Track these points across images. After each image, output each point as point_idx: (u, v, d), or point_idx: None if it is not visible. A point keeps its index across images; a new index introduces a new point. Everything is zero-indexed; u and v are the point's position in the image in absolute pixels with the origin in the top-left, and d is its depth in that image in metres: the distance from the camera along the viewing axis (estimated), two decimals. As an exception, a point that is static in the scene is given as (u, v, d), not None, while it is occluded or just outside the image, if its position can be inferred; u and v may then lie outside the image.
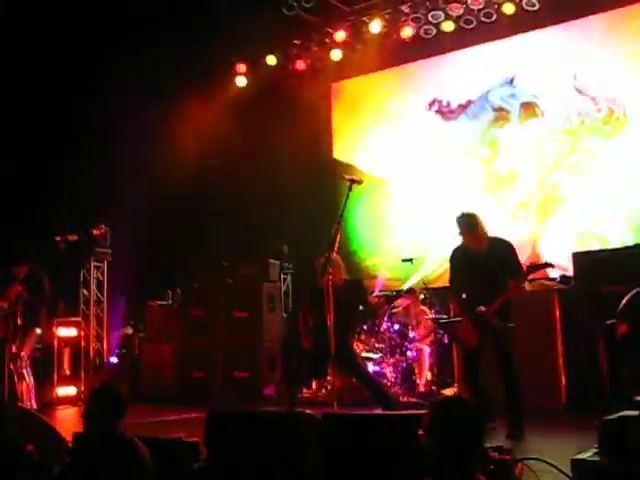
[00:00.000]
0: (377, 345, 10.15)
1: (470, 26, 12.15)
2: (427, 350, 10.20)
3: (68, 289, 12.56)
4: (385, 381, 9.61)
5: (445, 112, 12.78)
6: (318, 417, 4.55)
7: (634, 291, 4.40)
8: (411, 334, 10.23)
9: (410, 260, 10.60)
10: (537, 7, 11.38)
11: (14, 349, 9.13)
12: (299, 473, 4.32)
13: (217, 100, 14.73)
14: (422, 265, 11.58)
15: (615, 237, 10.69)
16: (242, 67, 14.39)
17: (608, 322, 5.65)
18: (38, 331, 9.47)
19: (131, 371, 12.44)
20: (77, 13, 12.65)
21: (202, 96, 13.89)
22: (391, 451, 4.07)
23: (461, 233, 7.12)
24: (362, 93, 13.90)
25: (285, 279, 13.18)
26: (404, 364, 10.07)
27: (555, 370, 8.52)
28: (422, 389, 10.01)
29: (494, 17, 11.91)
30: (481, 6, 11.91)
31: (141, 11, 12.69)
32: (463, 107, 12.59)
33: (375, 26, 12.68)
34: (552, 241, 11.21)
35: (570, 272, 9.30)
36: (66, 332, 12.02)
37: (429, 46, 12.72)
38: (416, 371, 10.15)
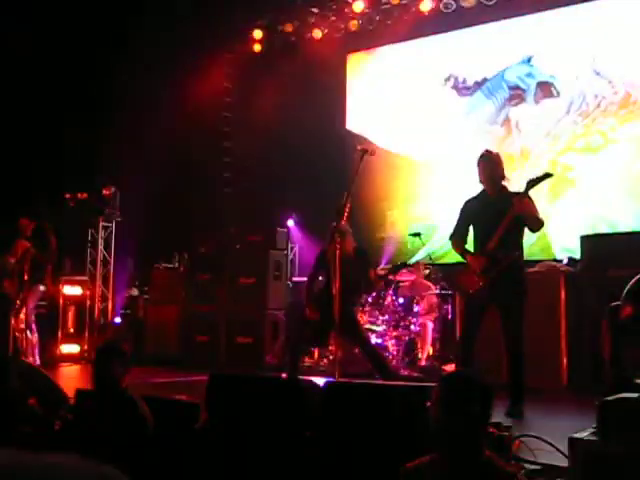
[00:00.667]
0: (381, 318, 10.16)
1: (490, 2, 12.04)
2: (430, 325, 10.21)
3: (76, 248, 12.61)
4: (387, 354, 9.63)
5: (460, 88, 12.71)
6: (320, 385, 4.57)
7: (640, 275, 4.40)
8: (416, 308, 10.24)
9: (418, 235, 10.59)
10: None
11: (17, 304, 9.17)
12: (299, 439, 4.35)
13: (233, 66, 14.70)
14: (429, 240, 11.58)
15: (625, 221, 10.66)
16: (258, 34, 14.33)
17: (612, 304, 5.67)
18: (42, 288, 9.51)
19: (135, 333, 12.49)
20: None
21: (218, 62, 13.86)
22: (393, 422, 4.09)
23: (481, 174, 6.76)
24: (377, 65, 13.83)
25: (292, 247, 13.21)
26: (407, 338, 10.09)
27: (557, 351, 8.52)
28: (423, 363, 10.04)
29: (515, -6, 11.83)
30: (502, -18, 11.82)
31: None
32: (479, 84, 12.51)
33: (395, -3, 12.61)
34: (562, 223, 11.18)
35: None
36: (72, 290, 12.09)
37: (448, 21, 12.61)
38: (418, 345, 10.17)
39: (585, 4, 11.52)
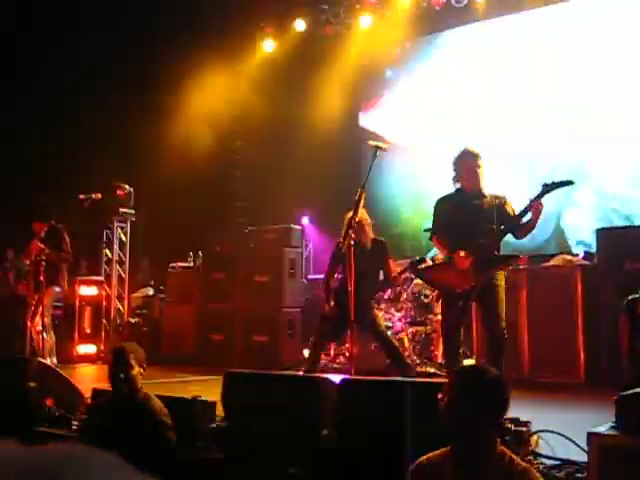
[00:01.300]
0: (397, 314, 10.14)
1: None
2: (447, 321, 10.15)
3: (91, 248, 12.67)
4: (403, 350, 9.61)
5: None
6: (336, 382, 4.56)
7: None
8: (432, 304, 10.20)
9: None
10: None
11: (33, 305, 9.20)
12: (315, 437, 4.34)
13: (244, 65, 14.70)
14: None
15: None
16: (269, 32, 14.33)
17: (630, 298, 5.63)
18: (57, 289, 9.52)
19: (151, 333, 12.52)
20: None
21: (229, 61, 13.87)
22: (410, 418, 4.07)
23: (455, 170, 6.58)
24: (389, 60, 13.79)
25: (307, 245, 13.20)
26: (423, 334, 10.06)
27: (575, 345, 8.48)
28: (440, 360, 10.00)
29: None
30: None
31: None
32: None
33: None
34: (577, 217, 11.12)
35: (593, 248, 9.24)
36: (88, 291, 12.14)
37: (460, 15, 12.56)
38: (435, 341, 10.14)
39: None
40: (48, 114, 13.40)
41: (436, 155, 12.55)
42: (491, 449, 2.94)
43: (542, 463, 4.36)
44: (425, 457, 3.07)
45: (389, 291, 10.07)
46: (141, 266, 14.17)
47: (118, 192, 12.31)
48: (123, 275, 12.87)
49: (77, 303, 11.89)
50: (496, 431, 3.02)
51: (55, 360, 9.30)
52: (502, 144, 11.89)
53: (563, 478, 4.18)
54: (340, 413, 4.42)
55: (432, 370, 9.44)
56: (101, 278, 12.57)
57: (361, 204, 6.55)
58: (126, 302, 12.91)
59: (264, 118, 14.21)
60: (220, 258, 12.10)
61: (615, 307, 8.36)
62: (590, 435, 3.65)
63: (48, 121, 13.47)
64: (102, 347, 11.97)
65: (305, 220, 13.29)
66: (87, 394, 5.81)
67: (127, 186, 12.39)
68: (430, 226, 6.75)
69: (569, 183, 6.11)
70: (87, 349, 11.93)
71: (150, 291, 13.58)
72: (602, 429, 3.67)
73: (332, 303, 7.34)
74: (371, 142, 6.66)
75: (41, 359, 7.58)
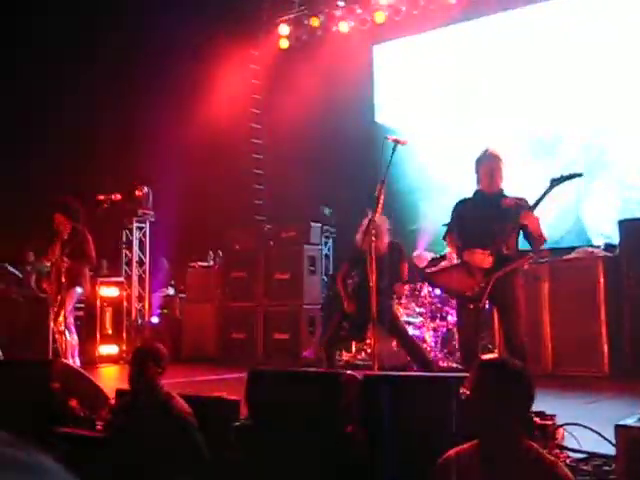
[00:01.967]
0: (417, 309, 10.12)
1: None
2: (468, 316, 10.12)
3: (111, 249, 12.71)
4: (425, 346, 9.59)
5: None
6: (359, 378, 4.54)
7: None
8: (452, 299, 10.17)
9: (451, 225, 10.50)
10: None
11: (56, 307, 9.23)
12: (340, 434, 4.33)
13: (260, 63, 14.71)
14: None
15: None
16: (285, 29, 14.33)
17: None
18: (79, 290, 9.54)
19: (172, 332, 12.55)
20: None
21: (245, 59, 13.89)
22: (433, 413, 4.06)
23: (477, 172, 6.45)
24: (404, 55, 13.76)
25: (327, 242, 13.19)
26: (444, 329, 10.04)
27: (598, 338, 8.42)
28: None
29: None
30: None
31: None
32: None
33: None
34: (597, 208, 11.05)
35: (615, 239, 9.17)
36: (108, 292, 12.19)
37: (474, 9, 12.50)
38: (456, 336, 10.10)
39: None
40: (64, 115, 13.45)
41: (455, 149, 12.52)
42: (518, 443, 2.91)
43: (569, 456, 4.33)
44: (453, 451, 3.05)
45: (408, 286, 10.04)
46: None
47: (137, 193, 12.33)
48: (143, 275, 12.91)
49: (98, 304, 11.94)
50: (522, 425, 2.99)
51: (78, 361, 9.34)
52: (521, 136, 11.84)
53: (590, 471, 4.15)
54: (364, 409, 4.40)
55: (454, 365, 9.42)
56: (121, 279, 12.61)
57: (381, 200, 6.52)
58: (147, 302, 12.95)
59: (281, 116, 14.20)
60: (240, 257, 12.12)
61: (638, 298, 8.33)
62: (618, 427, 3.62)
63: (65, 122, 13.52)
64: (124, 347, 12.02)
65: (327, 211, 12.97)
66: (111, 395, 5.83)
67: (145, 187, 12.42)
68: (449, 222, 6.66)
69: (577, 175, 5.95)
70: (109, 350, 11.98)
71: (171, 291, 13.62)
72: (630, 421, 3.64)
73: (350, 300, 7.35)
74: (390, 137, 6.63)
75: (64, 360, 7.62)
